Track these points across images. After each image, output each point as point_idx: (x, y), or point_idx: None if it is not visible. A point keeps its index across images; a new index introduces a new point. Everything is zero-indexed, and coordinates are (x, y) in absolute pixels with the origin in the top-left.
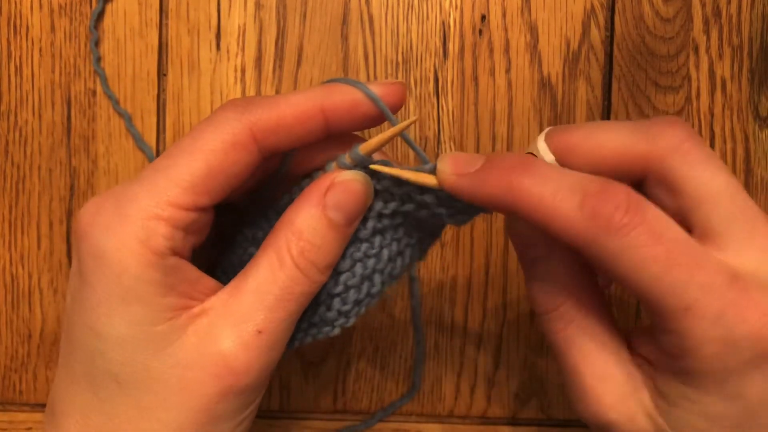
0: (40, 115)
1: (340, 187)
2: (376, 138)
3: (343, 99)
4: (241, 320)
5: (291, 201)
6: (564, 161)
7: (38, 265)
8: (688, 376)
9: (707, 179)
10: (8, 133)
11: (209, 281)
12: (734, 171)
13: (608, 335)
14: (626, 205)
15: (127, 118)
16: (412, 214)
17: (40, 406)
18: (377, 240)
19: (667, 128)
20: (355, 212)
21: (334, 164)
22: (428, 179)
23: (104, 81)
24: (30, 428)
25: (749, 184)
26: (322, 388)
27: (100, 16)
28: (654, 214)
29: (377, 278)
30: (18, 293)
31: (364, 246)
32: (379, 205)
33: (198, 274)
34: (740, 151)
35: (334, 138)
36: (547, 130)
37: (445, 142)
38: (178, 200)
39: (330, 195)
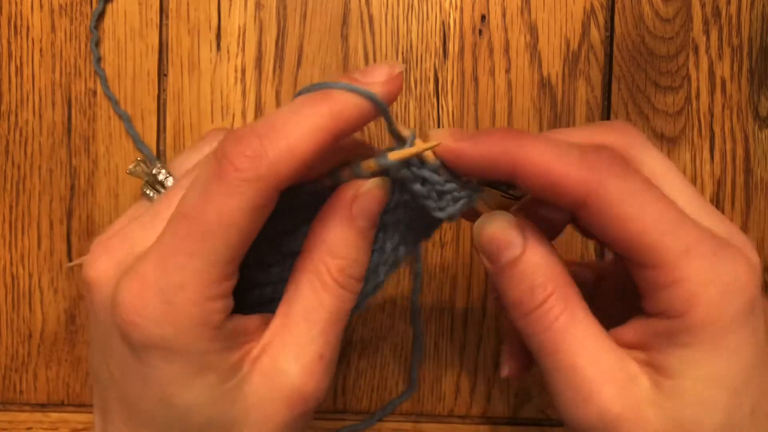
0: (40, 115)
1: (366, 197)
2: (407, 150)
3: (353, 115)
4: (301, 350)
5: (314, 213)
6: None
7: (38, 265)
8: (690, 334)
9: (656, 159)
10: (9, 133)
11: (257, 319)
12: (734, 171)
13: (596, 326)
14: (620, 157)
15: (126, 119)
16: (410, 206)
17: (41, 406)
18: (380, 235)
19: (616, 124)
20: (377, 215)
21: (364, 166)
22: (426, 151)
23: (104, 81)
24: (30, 428)
25: (749, 184)
26: None
27: (100, 17)
28: (635, 169)
29: (382, 270)
30: (18, 293)
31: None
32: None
33: (247, 319)
34: (740, 151)
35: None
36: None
37: None
38: (223, 274)
39: (356, 206)
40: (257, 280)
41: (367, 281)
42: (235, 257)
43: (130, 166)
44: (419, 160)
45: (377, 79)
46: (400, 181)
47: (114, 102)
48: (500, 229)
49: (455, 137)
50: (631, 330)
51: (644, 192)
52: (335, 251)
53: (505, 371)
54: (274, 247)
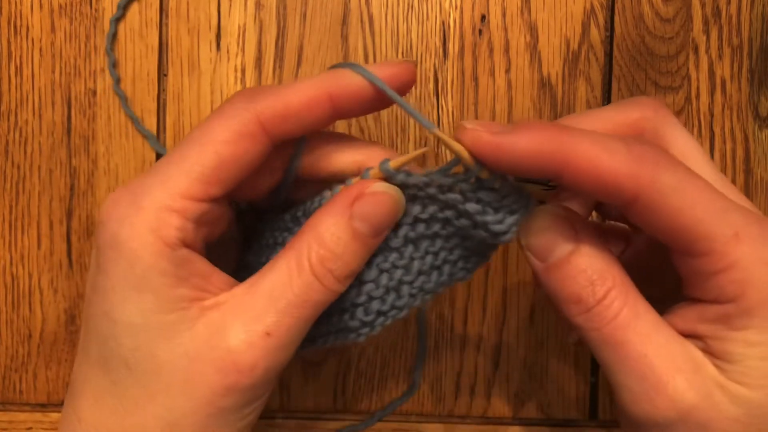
0: (40, 116)
1: (369, 198)
2: (407, 156)
3: (350, 84)
4: (252, 320)
5: (320, 205)
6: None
7: (38, 265)
8: (747, 316)
9: (686, 138)
10: (8, 133)
11: (223, 276)
12: (734, 171)
13: (658, 317)
14: (662, 150)
15: (137, 121)
16: (452, 223)
17: (40, 406)
18: (408, 250)
19: (645, 100)
20: (383, 224)
21: (371, 173)
22: (460, 150)
23: (125, 103)
24: (30, 428)
25: (749, 184)
26: (322, 388)
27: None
28: (677, 160)
29: (405, 290)
30: (18, 293)
31: (393, 256)
32: (416, 209)
33: (211, 268)
34: (740, 151)
35: (354, 145)
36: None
37: None
38: (190, 191)
39: (358, 205)
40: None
41: (385, 299)
42: (207, 177)
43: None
44: (470, 176)
45: (387, 64)
46: (427, 195)
47: (138, 122)
48: (549, 225)
49: (492, 130)
50: (679, 319)
51: (691, 182)
52: (322, 241)
53: (574, 337)
54: (273, 240)
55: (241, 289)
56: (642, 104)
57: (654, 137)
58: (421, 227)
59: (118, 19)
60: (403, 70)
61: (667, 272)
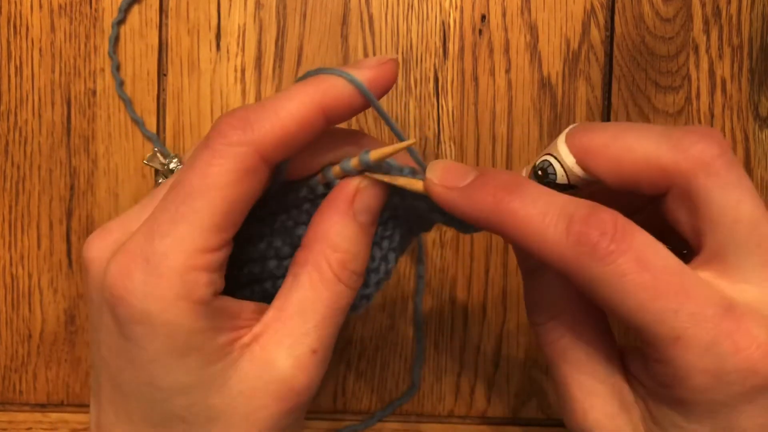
0: (40, 115)
1: (368, 192)
2: (388, 148)
3: (342, 94)
4: (295, 343)
5: (312, 208)
6: (584, 164)
7: (38, 265)
8: (679, 405)
9: (732, 204)
10: (8, 133)
11: (249, 306)
12: None
13: (601, 352)
14: (613, 232)
15: (140, 124)
16: (408, 202)
17: (40, 406)
18: (391, 222)
19: (700, 141)
20: (379, 210)
21: (351, 163)
22: (419, 186)
23: (129, 106)
24: (30, 428)
25: None
26: (322, 388)
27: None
28: (642, 240)
29: (392, 256)
30: (18, 293)
31: (379, 229)
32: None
33: (238, 304)
34: (740, 151)
35: (337, 138)
36: (569, 128)
37: (444, 142)
38: (208, 244)
39: (359, 200)
40: (254, 274)
41: (379, 269)
42: (220, 224)
43: (148, 156)
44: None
45: (370, 64)
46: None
47: (141, 125)
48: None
49: (447, 180)
50: (637, 364)
51: (632, 275)
52: (337, 245)
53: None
54: (267, 244)
55: (271, 315)
56: (693, 152)
57: (685, 194)
58: (396, 199)
59: (119, 23)
60: (385, 71)
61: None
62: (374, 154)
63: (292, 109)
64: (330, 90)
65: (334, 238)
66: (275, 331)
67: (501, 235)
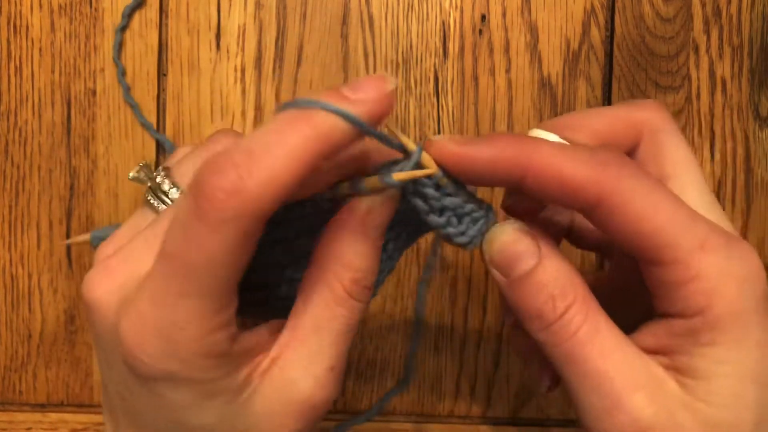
0: (40, 115)
1: (381, 211)
2: (409, 173)
3: (343, 135)
4: (313, 363)
5: (314, 218)
6: (564, 137)
7: (38, 265)
8: (713, 331)
9: (683, 148)
10: (8, 133)
11: (263, 331)
12: (734, 171)
13: (619, 333)
14: (628, 158)
15: (149, 126)
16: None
17: (40, 406)
18: (397, 227)
19: (648, 101)
20: (387, 222)
21: (363, 184)
22: (429, 162)
23: (137, 111)
24: (30, 428)
25: (749, 184)
26: None
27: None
28: (644, 169)
29: (396, 255)
30: (18, 293)
31: (387, 235)
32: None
33: (254, 336)
34: (740, 151)
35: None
36: (537, 126)
37: None
38: (220, 306)
39: (371, 218)
40: (261, 281)
41: (383, 269)
42: (227, 289)
43: (132, 173)
44: (434, 184)
45: (368, 95)
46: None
47: (151, 128)
48: (513, 240)
49: (458, 141)
50: (648, 335)
51: (656, 191)
52: (350, 265)
53: (545, 384)
54: (267, 253)
55: (287, 336)
56: (645, 107)
57: (651, 142)
58: (403, 204)
59: (123, 29)
60: (386, 105)
61: (643, 295)
62: (397, 176)
63: (289, 161)
64: (327, 135)
65: (347, 258)
66: (292, 351)
67: (522, 182)
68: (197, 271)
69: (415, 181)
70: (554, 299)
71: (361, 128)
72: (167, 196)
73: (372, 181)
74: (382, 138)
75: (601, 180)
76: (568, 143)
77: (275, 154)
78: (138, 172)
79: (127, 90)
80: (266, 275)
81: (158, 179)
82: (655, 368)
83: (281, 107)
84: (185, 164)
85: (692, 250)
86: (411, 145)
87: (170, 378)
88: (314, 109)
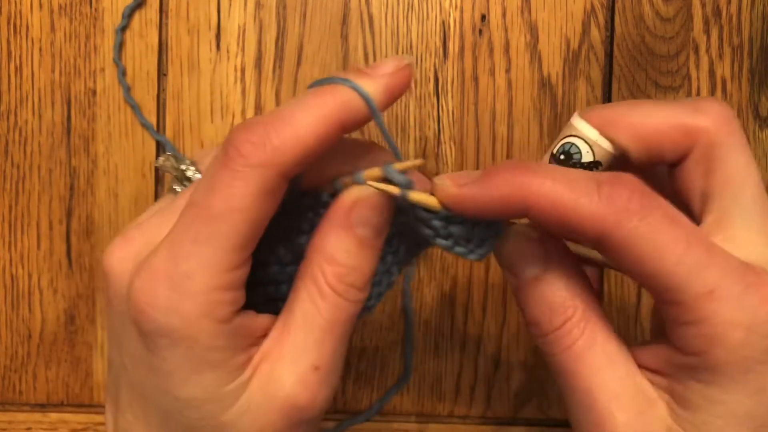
0: (40, 115)
1: (364, 203)
2: (409, 162)
3: (359, 107)
4: (297, 359)
5: (315, 217)
6: (608, 134)
7: (38, 265)
8: (712, 373)
9: (743, 164)
10: (8, 133)
11: (263, 320)
12: None
13: (616, 349)
14: (641, 191)
15: (149, 126)
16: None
17: (40, 406)
18: (396, 239)
19: (715, 103)
20: (382, 224)
21: (362, 175)
22: (431, 200)
23: (138, 111)
24: (30, 428)
25: None
26: None
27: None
28: (665, 201)
29: (395, 269)
30: (18, 293)
31: (384, 246)
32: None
33: (254, 320)
34: None
35: (348, 149)
36: (577, 113)
37: (445, 142)
38: (231, 264)
39: (356, 213)
40: (256, 277)
41: (382, 282)
42: (243, 245)
43: (160, 159)
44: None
45: (385, 69)
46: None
47: (151, 129)
48: (519, 245)
49: (458, 182)
50: (651, 354)
51: (666, 230)
52: (331, 258)
53: None
54: (270, 249)
55: (276, 331)
56: (708, 112)
57: (704, 154)
58: (402, 217)
59: (123, 29)
60: (403, 78)
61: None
62: (399, 166)
63: (312, 124)
64: (348, 104)
65: (329, 251)
66: (280, 348)
67: (526, 215)
68: (217, 218)
69: (417, 215)
70: (552, 311)
71: (370, 107)
72: (191, 182)
73: (373, 173)
74: (386, 136)
75: (604, 217)
76: (573, 172)
77: (299, 117)
78: (165, 160)
79: (127, 90)
80: (269, 273)
81: (183, 167)
82: (648, 389)
83: (310, 85)
84: (211, 156)
85: (698, 297)
86: (398, 177)
87: (170, 334)
88: (337, 84)
